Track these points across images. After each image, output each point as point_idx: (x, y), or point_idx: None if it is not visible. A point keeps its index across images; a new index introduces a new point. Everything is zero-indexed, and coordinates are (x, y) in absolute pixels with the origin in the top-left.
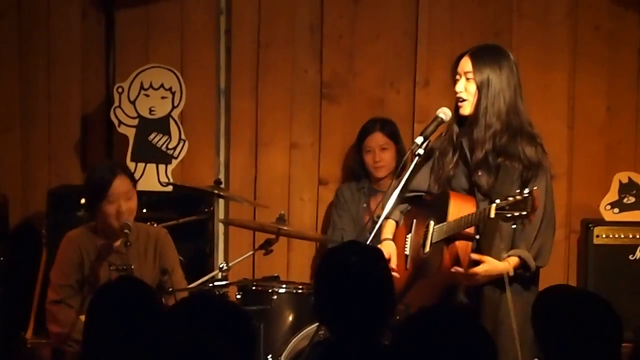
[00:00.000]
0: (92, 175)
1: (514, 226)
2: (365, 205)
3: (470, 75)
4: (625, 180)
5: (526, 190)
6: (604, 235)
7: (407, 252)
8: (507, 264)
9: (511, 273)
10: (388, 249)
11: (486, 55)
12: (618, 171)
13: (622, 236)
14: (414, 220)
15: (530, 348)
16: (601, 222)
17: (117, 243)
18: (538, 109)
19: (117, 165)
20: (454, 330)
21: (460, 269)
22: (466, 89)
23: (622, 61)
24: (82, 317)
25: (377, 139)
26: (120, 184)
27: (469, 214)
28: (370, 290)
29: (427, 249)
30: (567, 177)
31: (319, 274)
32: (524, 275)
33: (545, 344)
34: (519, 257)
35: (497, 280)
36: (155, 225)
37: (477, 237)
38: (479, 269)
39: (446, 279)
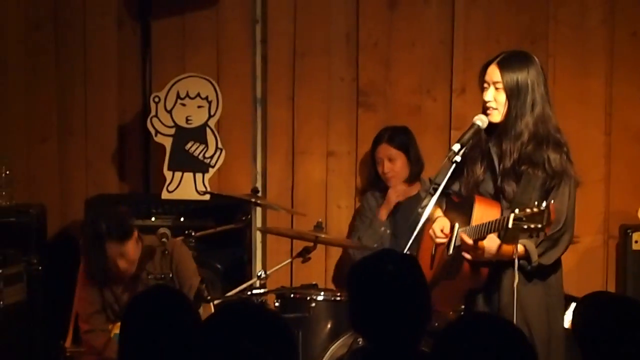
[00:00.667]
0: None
1: (530, 237)
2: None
3: (500, 85)
4: None
5: (543, 204)
6: None
7: (433, 252)
8: (511, 248)
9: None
10: (442, 222)
11: (514, 63)
12: None
13: None
14: None
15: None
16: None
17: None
18: (575, 115)
19: (106, 228)
20: (495, 338)
21: (465, 236)
22: (495, 98)
23: None
24: (115, 327)
25: (385, 150)
26: (107, 249)
27: (489, 221)
28: (407, 298)
29: (451, 251)
30: (605, 183)
31: (354, 284)
32: (525, 267)
33: (587, 351)
34: (525, 246)
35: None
36: (190, 231)
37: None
38: (483, 242)
39: (467, 282)
